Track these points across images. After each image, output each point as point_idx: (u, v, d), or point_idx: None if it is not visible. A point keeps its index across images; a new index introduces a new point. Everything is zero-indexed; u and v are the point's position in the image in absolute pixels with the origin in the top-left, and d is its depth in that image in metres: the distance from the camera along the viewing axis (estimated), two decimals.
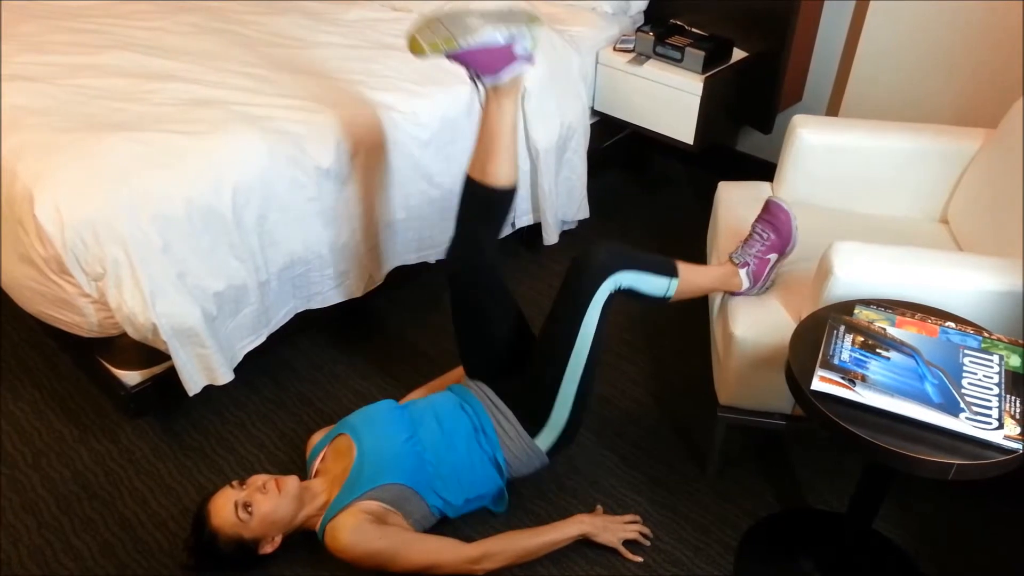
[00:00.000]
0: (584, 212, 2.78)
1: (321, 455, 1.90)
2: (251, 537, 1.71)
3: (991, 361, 1.46)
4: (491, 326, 1.91)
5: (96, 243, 1.80)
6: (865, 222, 2.12)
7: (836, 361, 1.44)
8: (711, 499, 1.99)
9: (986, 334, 1.53)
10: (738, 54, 2.66)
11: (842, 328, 1.52)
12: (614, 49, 2.72)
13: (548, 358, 1.80)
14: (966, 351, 1.48)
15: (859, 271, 1.65)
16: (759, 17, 2.61)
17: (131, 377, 2.08)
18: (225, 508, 1.71)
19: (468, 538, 1.78)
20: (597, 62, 2.73)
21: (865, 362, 1.44)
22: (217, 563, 1.73)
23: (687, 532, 1.92)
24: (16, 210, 1.84)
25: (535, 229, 2.69)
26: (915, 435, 1.34)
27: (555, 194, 2.63)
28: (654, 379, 2.33)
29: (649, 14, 2.91)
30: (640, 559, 1.84)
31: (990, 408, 1.36)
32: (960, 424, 1.34)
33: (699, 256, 2.28)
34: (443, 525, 1.86)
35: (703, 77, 2.54)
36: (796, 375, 1.46)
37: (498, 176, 1.86)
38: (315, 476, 1.88)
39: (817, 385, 1.42)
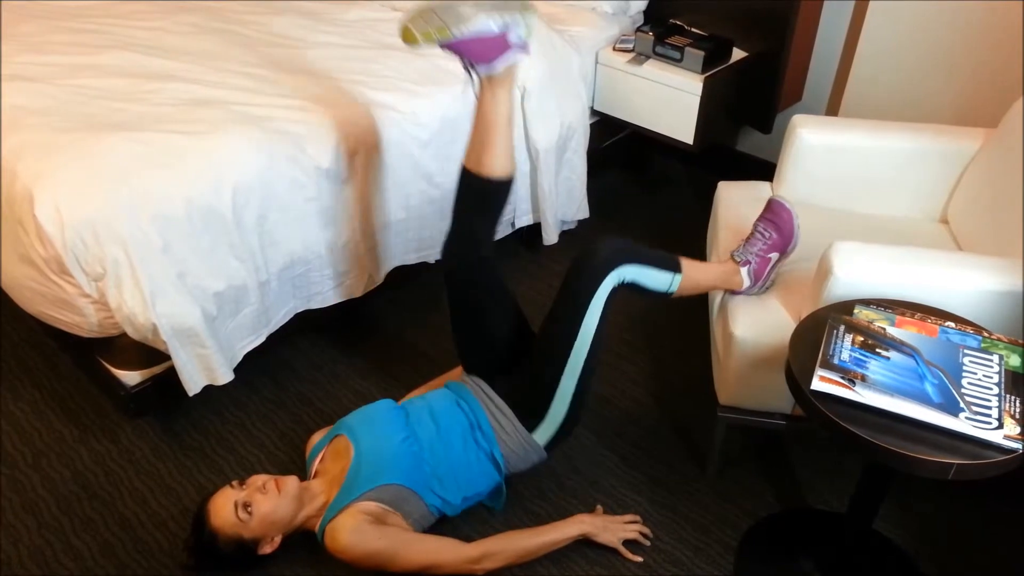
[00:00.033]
0: (584, 212, 2.78)
1: (320, 456, 1.90)
2: (251, 537, 1.71)
3: (991, 361, 1.46)
4: (488, 321, 1.90)
5: (96, 243, 1.80)
6: (865, 222, 2.12)
7: (836, 361, 1.44)
8: (711, 499, 1.99)
9: (986, 334, 1.53)
10: (738, 54, 2.66)
11: (842, 328, 1.52)
12: (614, 49, 2.72)
13: (549, 352, 1.80)
14: (966, 351, 1.48)
15: (859, 271, 1.65)
16: (759, 17, 2.61)
17: (131, 377, 2.08)
18: (225, 508, 1.70)
19: (468, 538, 1.78)
20: (597, 62, 2.73)
21: (865, 362, 1.44)
22: (217, 563, 1.73)
23: (687, 532, 1.92)
24: (16, 210, 1.84)
25: (535, 229, 2.69)
26: (915, 435, 1.34)
27: (555, 194, 2.63)
28: (654, 379, 2.33)
29: (649, 14, 2.91)
30: (640, 559, 1.84)
31: (990, 408, 1.36)
32: (960, 424, 1.34)
33: (699, 256, 2.27)
34: (443, 524, 1.86)
35: (703, 77, 2.54)
36: (796, 375, 1.46)
37: (494, 167, 1.84)
38: (314, 477, 1.88)
39: (817, 385, 1.42)
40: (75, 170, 1.84)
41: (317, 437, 1.98)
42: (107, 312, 1.88)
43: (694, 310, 2.44)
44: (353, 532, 1.69)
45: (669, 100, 2.62)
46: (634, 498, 1.99)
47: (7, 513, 1.92)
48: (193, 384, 1.98)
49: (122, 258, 1.82)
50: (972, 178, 2.06)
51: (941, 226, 2.14)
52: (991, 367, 1.45)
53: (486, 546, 1.76)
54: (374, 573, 1.72)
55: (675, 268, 1.81)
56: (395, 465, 1.78)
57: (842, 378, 1.41)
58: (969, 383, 1.41)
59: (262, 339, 2.14)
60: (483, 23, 1.71)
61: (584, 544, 1.85)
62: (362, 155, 2.16)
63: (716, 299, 2.00)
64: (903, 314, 1.56)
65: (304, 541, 1.81)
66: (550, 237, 2.69)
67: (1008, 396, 1.39)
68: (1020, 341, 1.53)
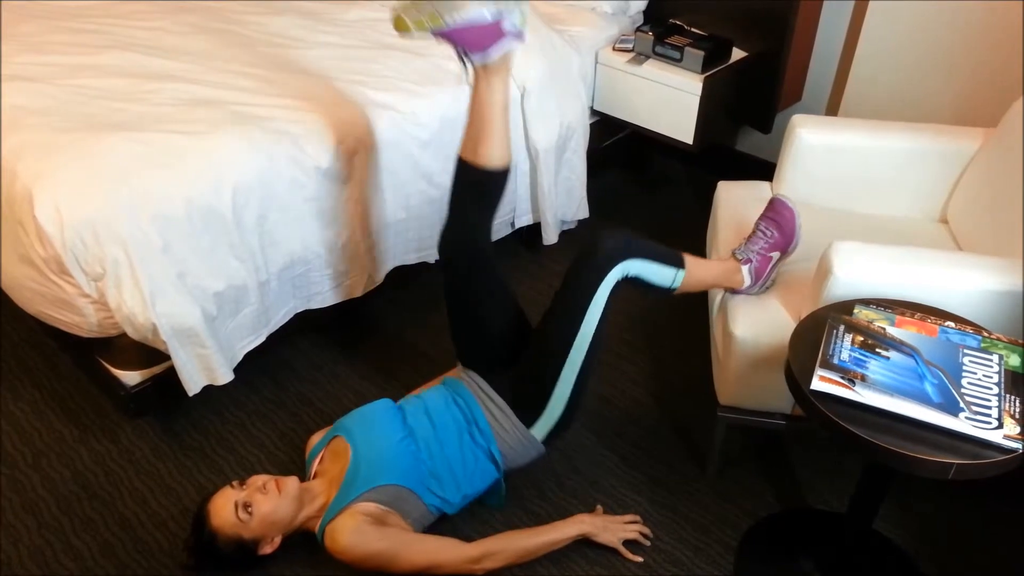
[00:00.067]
0: (584, 212, 2.78)
1: (319, 457, 1.90)
2: (251, 537, 1.71)
3: (991, 361, 1.46)
4: (484, 312, 1.89)
5: (96, 243, 1.80)
6: (865, 222, 2.12)
7: (836, 361, 1.44)
8: (711, 499, 1.99)
9: (986, 334, 1.53)
10: (738, 54, 2.66)
11: (842, 328, 1.52)
12: (614, 49, 2.72)
13: (551, 344, 1.79)
14: (966, 351, 1.48)
15: (859, 271, 1.65)
16: (759, 17, 2.61)
17: (131, 377, 2.08)
18: (225, 508, 1.70)
19: (468, 538, 1.78)
20: (597, 62, 2.73)
21: (865, 362, 1.44)
22: (217, 563, 1.73)
23: (687, 532, 1.92)
24: (16, 210, 1.84)
25: (535, 229, 2.69)
26: (915, 435, 1.34)
27: (555, 194, 2.63)
28: (654, 379, 2.33)
29: (648, 14, 2.91)
30: (640, 559, 1.84)
31: (990, 408, 1.36)
32: (960, 424, 1.34)
33: (699, 255, 2.27)
34: (443, 524, 1.86)
35: (702, 77, 2.54)
36: (796, 375, 1.46)
37: (490, 157, 1.81)
38: (314, 477, 1.88)
39: (817, 385, 1.42)
40: (75, 170, 1.84)
41: (316, 438, 1.98)
42: (107, 312, 1.88)
43: (694, 310, 2.44)
44: (353, 533, 1.69)
45: (669, 100, 2.62)
46: (634, 498, 1.99)
47: (7, 513, 1.92)
48: (193, 384, 1.98)
49: (122, 258, 1.82)
50: (972, 178, 2.06)
51: (941, 226, 2.14)
52: (991, 367, 1.45)
53: (486, 546, 1.75)
54: (374, 574, 1.72)
55: (679, 264, 1.80)
56: (393, 465, 1.78)
57: (842, 378, 1.41)
58: (969, 383, 1.41)
59: (262, 339, 2.14)
60: (476, 11, 1.68)
61: (584, 544, 1.85)
62: (362, 155, 2.16)
63: (716, 299, 2.00)
64: (903, 314, 1.56)
65: (304, 541, 1.81)
66: (550, 237, 2.69)
67: (1008, 396, 1.39)
68: (1020, 341, 1.53)
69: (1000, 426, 1.33)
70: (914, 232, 2.09)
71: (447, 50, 1.78)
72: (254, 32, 2.54)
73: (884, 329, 1.52)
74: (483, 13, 1.69)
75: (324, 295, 2.26)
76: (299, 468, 2.01)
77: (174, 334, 1.90)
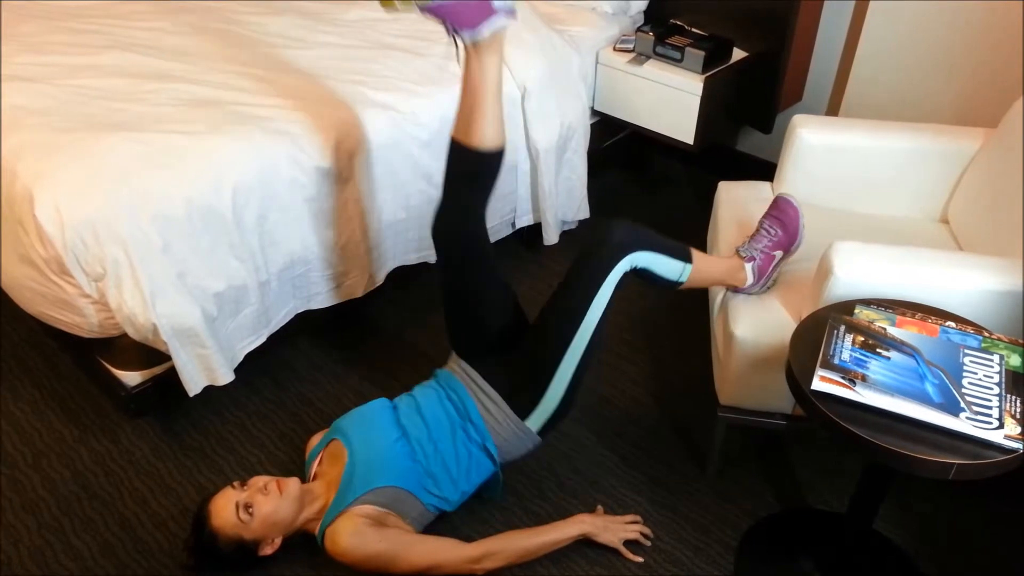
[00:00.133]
0: (584, 212, 2.78)
1: (318, 458, 1.90)
2: (251, 538, 1.71)
3: (991, 361, 1.46)
4: (478, 298, 1.87)
5: (96, 243, 1.80)
6: (865, 222, 2.12)
7: (836, 361, 1.44)
8: (711, 499, 1.99)
9: (986, 334, 1.53)
10: (738, 54, 2.66)
11: (842, 328, 1.52)
12: (614, 49, 2.72)
13: (552, 333, 1.77)
14: (966, 351, 1.48)
15: (859, 271, 1.65)
16: (759, 17, 2.61)
17: (131, 377, 2.08)
18: (226, 509, 1.70)
19: (468, 538, 1.78)
20: (597, 62, 2.73)
21: (865, 362, 1.44)
22: (217, 563, 1.73)
23: (687, 532, 1.91)
24: (16, 210, 1.84)
25: (535, 229, 2.69)
26: (915, 435, 1.34)
27: (555, 194, 2.63)
28: (654, 379, 2.33)
29: (649, 14, 2.91)
30: (640, 559, 1.84)
31: (990, 408, 1.36)
32: (960, 424, 1.34)
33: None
34: (443, 524, 1.86)
35: (703, 77, 2.54)
36: (796, 375, 1.46)
37: (484, 138, 1.76)
38: (313, 479, 1.88)
39: (817, 385, 1.41)
40: (75, 170, 1.84)
41: (315, 439, 1.98)
42: (107, 312, 1.88)
43: (694, 310, 2.44)
44: (353, 535, 1.68)
45: (669, 100, 2.62)
46: (634, 498, 1.99)
47: (7, 513, 1.92)
48: (193, 384, 1.98)
49: (122, 258, 1.82)
50: (972, 178, 2.06)
51: (941, 226, 2.14)
52: (991, 367, 1.45)
53: (486, 546, 1.75)
54: (374, 574, 1.72)
55: (687, 258, 1.80)
56: (389, 467, 1.77)
57: (842, 378, 1.41)
58: (969, 383, 1.41)
59: (262, 339, 2.14)
60: None
61: (584, 544, 1.85)
62: (362, 155, 2.16)
63: (717, 298, 2.00)
64: (903, 314, 1.56)
65: (304, 542, 1.81)
66: (550, 237, 2.69)
67: (1008, 396, 1.39)
68: (1020, 341, 1.52)
69: (1001, 426, 1.33)
70: (915, 232, 2.09)
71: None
72: (254, 32, 2.54)
73: (885, 329, 1.52)
74: None
75: (324, 295, 2.26)
76: (299, 469, 2.01)
77: (174, 334, 1.89)
